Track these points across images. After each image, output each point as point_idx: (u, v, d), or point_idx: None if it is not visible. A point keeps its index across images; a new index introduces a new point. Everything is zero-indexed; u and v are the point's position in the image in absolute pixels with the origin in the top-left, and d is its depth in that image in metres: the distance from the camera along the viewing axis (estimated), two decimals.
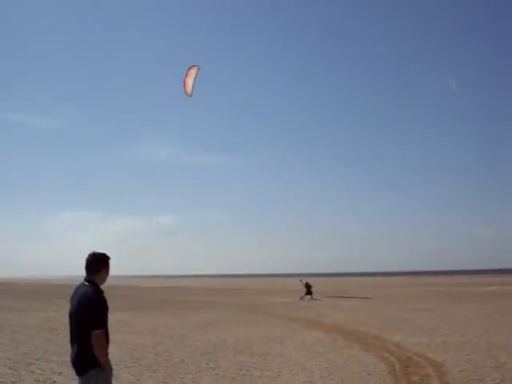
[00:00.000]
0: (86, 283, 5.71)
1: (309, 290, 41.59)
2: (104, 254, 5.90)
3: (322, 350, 14.48)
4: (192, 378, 10.82)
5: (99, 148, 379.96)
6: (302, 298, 40.80)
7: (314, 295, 41.80)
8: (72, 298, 5.78)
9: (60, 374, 11.18)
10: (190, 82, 16.56)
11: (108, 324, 5.66)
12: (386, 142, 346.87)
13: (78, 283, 5.95)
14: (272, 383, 10.29)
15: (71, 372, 11.18)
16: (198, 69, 16.83)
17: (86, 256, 5.82)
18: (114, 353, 12.31)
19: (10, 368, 11.66)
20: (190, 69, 16.90)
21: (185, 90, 16.72)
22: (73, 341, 5.63)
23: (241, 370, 11.72)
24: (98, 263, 5.81)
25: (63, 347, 14.79)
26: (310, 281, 44.71)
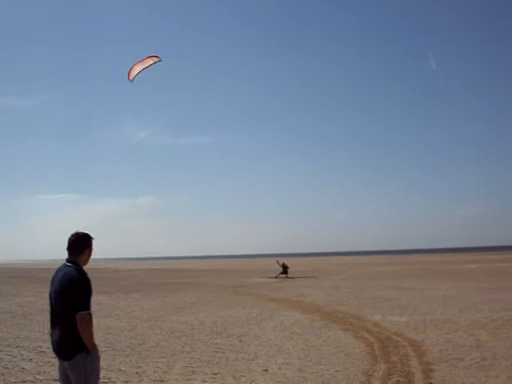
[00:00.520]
0: (69, 264, 5.42)
1: (285, 270, 42.94)
2: (87, 234, 5.63)
3: (300, 330, 14.26)
4: (166, 361, 10.53)
5: (77, 128, 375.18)
6: (276, 277, 42.28)
7: (291, 275, 43.00)
8: (53, 280, 5.47)
9: (30, 360, 10.81)
10: (138, 68, 16.06)
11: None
12: (365, 124, 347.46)
13: (58, 266, 5.65)
14: (248, 366, 10.02)
15: (42, 358, 10.91)
16: (157, 61, 16.28)
17: (67, 237, 5.55)
18: None
19: None
20: (148, 58, 16.39)
21: (128, 74, 16.22)
22: (55, 325, 5.35)
23: (216, 352, 11.46)
24: (81, 244, 5.54)
25: (36, 333, 14.46)
26: (290, 262, 45.09)
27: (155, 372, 9.58)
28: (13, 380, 9.08)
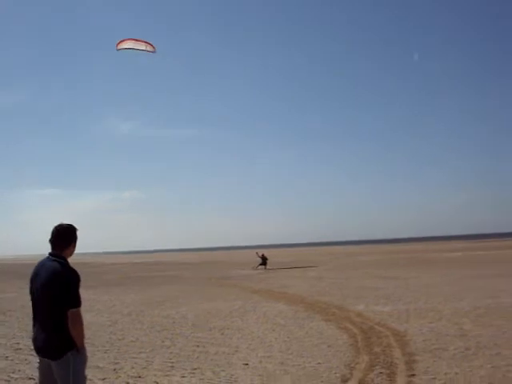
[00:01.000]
0: (54, 258, 5.07)
1: (264, 261, 43.00)
2: (72, 226, 5.30)
3: (282, 322, 14.10)
4: (145, 357, 10.30)
5: (62, 122, 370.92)
6: (255, 268, 42.58)
7: (274, 266, 43.30)
8: (36, 275, 5.11)
9: (6, 358, 10.55)
10: (129, 44, 15.74)
11: None
12: (355, 115, 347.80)
13: (39, 260, 5.30)
14: (228, 360, 9.82)
15: (18, 356, 10.61)
16: (149, 51, 16.04)
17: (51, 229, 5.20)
18: None
19: None
20: (144, 42, 16.15)
21: (118, 43, 15.91)
22: (40, 323, 5.01)
23: (197, 346, 11.25)
24: (65, 236, 5.20)
25: (15, 329, 14.17)
26: (274, 253, 45.20)
27: (133, 368, 9.35)
28: None
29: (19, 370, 9.41)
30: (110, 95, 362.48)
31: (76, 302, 4.89)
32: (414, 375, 8.16)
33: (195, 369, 9.13)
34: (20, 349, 11.36)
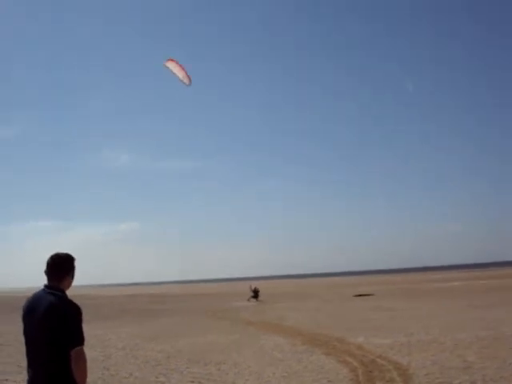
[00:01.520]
0: (51, 291, 4.53)
1: (256, 294, 43.67)
2: (69, 255, 4.78)
3: (280, 356, 13.70)
4: None
5: (57, 155, 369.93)
6: (248, 300, 42.85)
7: (269, 297, 43.86)
8: (31, 311, 4.53)
9: None
10: (173, 67, 16.08)
11: None
12: (349, 142, 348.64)
13: (33, 293, 4.72)
14: None
15: None
16: (184, 83, 16.38)
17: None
18: None
19: None
20: (184, 71, 16.51)
21: (168, 61, 16.30)
22: (37, 365, 4.42)
23: (192, 382, 10.90)
24: (63, 266, 4.69)
25: (5, 365, 13.78)
26: (269, 284, 45.23)
27: None
28: None
29: None
30: (108, 127, 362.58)
31: (79, 339, 4.38)
32: None
33: None
34: None
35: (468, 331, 16.34)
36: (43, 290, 4.61)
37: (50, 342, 4.33)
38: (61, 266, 4.69)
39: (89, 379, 11.06)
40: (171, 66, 16.43)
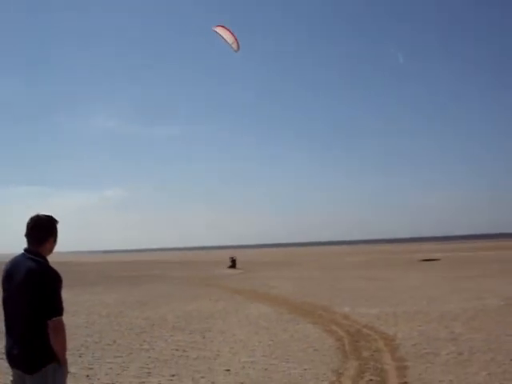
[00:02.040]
0: (31, 255, 4.22)
1: (233, 263, 45.43)
2: (51, 217, 4.41)
3: (266, 324, 13.57)
4: (121, 361, 9.73)
5: (41, 117, 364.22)
6: (229, 268, 44.13)
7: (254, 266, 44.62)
8: (9, 277, 4.27)
9: None
10: (223, 32, 16.20)
11: None
12: (342, 115, 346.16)
13: (13, 258, 4.39)
14: (209, 365, 9.28)
15: None
16: (232, 47, 16.41)
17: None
18: None
19: None
20: (235, 39, 16.50)
21: (217, 27, 16.38)
22: (15, 332, 4.19)
23: (177, 350, 10.69)
24: (44, 228, 4.33)
25: None
26: (259, 252, 45.51)
27: (107, 374, 8.78)
28: None
29: None
30: (95, 91, 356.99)
31: (58, 309, 4.11)
32: (406, 383, 7.70)
33: (173, 375, 8.58)
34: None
35: (454, 302, 16.31)
36: (23, 254, 4.33)
37: (28, 310, 4.10)
38: (41, 229, 4.35)
39: (71, 346, 10.91)
40: (221, 31, 16.35)
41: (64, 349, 4.17)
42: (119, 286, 27.72)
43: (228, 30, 16.25)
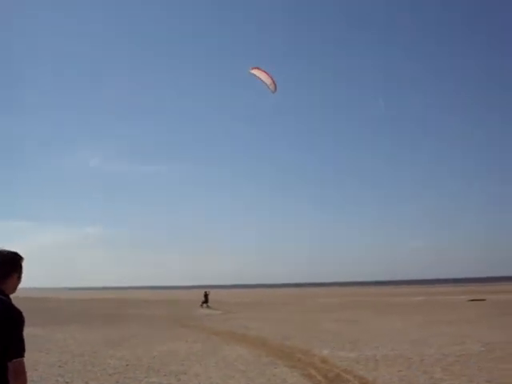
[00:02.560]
0: None
1: (206, 298, 47.00)
2: (15, 254, 4.16)
3: (243, 367, 13.28)
4: None
5: (23, 152, 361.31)
6: (201, 306, 45.69)
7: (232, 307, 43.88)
8: None
9: None
10: (260, 74, 16.55)
11: None
12: (313, 162, 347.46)
13: None
14: None
15: None
16: (270, 89, 16.89)
17: None
18: None
19: None
20: (273, 80, 16.90)
21: (253, 69, 16.79)
22: None
23: None
24: (6, 265, 4.05)
25: None
26: (236, 293, 45.34)
27: None
28: None
29: None
30: (81, 128, 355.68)
31: (19, 350, 3.82)
32: None
33: None
34: None
35: (434, 347, 16.12)
36: None
37: None
38: (5, 264, 4.09)
39: None
40: (257, 73, 16.70)
41: None
42: (95, 325, 27.18)
43: (264, 71, 16.66)
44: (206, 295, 47.32)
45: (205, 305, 46.10)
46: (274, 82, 16.95)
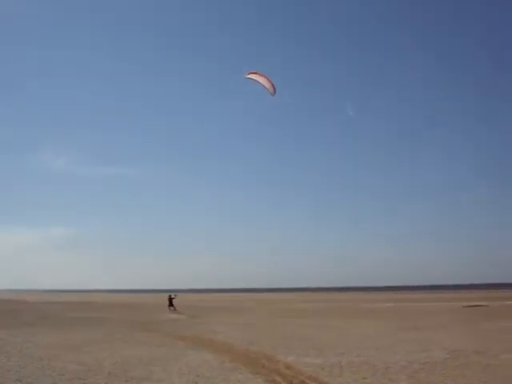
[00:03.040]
0: None
1: (170, 301, 47.16)
2: None
3: (207, 373, 13.05)
4: None
5: None
6: (169, 309, 45.88)
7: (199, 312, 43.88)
8: None
9: None
10: (257, 78, 16.70)
11: None
12: (288, 169, 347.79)
13: None
14: None
15: None
16: (269, 92, 16.97)
17: None
18: None
19: None
20: (270, 82, 16.93)
21: (249, 74, 16.95)
22: None
23: None
24: None
25: None
26: (204, 297, 44.82)
27: None
28: None
29: None
30: (46, 129, 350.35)
31: None
32: None
33: None
34: None
35: (401, 354, 16.13)
36: None
37: None
38: None
39: None
40: (255, 77, 16.75)
41: None
42: (57, 328, 26.55)
43: (263, 75, 16.79)
44: (170, 299, 47.55)
45: (172, 308, 46.37)
46: (273, 84, 17.14)
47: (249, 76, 17.20)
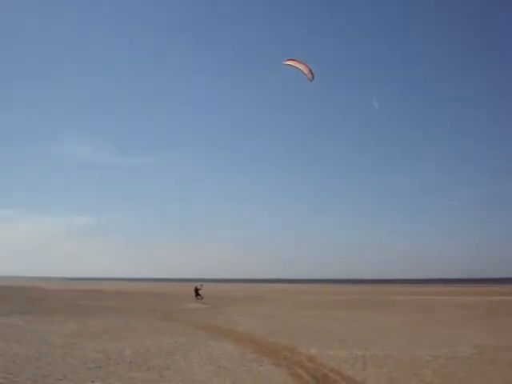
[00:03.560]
0: None
1: (196, 292, 48.26)
2: None
3: (228, 364, 12.88)
4: None
5: (14, 141, 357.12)
6: (196, 299, 46.53)
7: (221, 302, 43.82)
8: None
9: None
10: (296, 64, 16.98)
11: None
12: (288, 155, 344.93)
13: None
14: None
15: None
16: (309, 78, 17.17)
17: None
18: None
19: None
20: (309, 69, 17.13)
21: (287, 60, 17.22)
22: None
23: None
24: None
25: None
26: (226, 288, 44.99)
27: None
28: None
29: None
30: (73, 117, 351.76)
31: None
32: None
33: None
34: None
35: (426, 349, 15.79)
36: None
37: None
38: None
39: (18, 379, 10.13)
40: (293, 63, 16.86)
41: None
42: (79, 316, 26.61)
43: (300, 61, 16.90)
44: (196, 290, 48.39)
45: (199, 297, 47.32)
46: (311, 70, 17.17)
47: (287, 62, 17.19)
